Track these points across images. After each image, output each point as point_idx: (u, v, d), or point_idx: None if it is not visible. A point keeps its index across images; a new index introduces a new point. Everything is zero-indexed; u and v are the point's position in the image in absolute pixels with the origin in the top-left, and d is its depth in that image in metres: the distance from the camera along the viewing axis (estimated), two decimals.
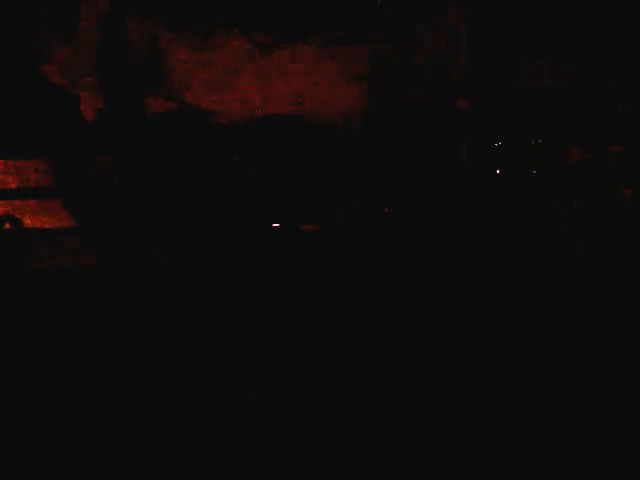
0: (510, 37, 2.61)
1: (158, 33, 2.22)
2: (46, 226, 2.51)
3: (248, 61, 2.23)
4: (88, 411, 2.24)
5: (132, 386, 2.24)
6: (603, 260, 2.53)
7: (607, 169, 2.64)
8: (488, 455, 2.22)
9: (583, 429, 2.29)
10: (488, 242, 2.37)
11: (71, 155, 2.39)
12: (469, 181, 2.33)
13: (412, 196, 2.23)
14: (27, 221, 2.51)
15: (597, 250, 2.53)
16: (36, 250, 2.48)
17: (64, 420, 2.24)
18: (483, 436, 2.24)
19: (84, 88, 2.29)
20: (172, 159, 2.21)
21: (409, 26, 2.34)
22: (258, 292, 2.19)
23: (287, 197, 2.18)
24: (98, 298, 2.38)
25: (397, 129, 2.30)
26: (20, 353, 2.34)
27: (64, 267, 2.46)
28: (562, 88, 2.65)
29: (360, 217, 2.17)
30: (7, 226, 2.48)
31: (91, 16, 2.25)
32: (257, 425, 2.16)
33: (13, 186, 2.53)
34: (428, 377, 2.27)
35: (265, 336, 2.20)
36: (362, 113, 2.26)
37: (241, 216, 2.18)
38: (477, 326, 2.34)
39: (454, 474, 2.18)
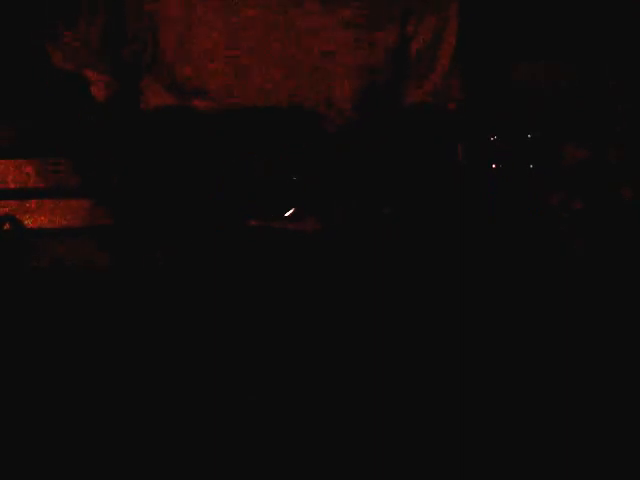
0: (508, 37, 2.61)
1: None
2: (46, 226, 2.51)
3: None
4: (87, 411, 2.24)
5: (131, 386, 2.24)
6: (603, 260, 2.53)
7: (607, 169, 2.64)
8: (488, 455, 2.21)
9: (583, 429, 2.29)
10: (488, 242, 2.37)
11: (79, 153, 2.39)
12: (468, 181, 2.32)
13: (411, 195, 2.23)
14: (27, 221, 2.51)
15: (597, 250, 2.53)
16: (36, 250, 2.48)
17: (63, 420, 2.24)
18: (483, 436, 2.24)
19: (90, 67, 2.27)
20: (172, 158, 2.21)
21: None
22: (258, 292, 2.19)
23: (286, 196, 2.17)
24: (99, 298, 2.38)
25: (391, 126, 2.29)
26: (20, 352, 2.33)
27: (64, 267, 2.46)
28: (562, 88, 2.65)
29: (360, 216, 2.17)
30: (7, 226, 2.48)
31: None
32: (257, 425, 2.16)
33: (13, 186, 2.52)
34: (428, 377, 2.27)
35: (265, 336, 2.19)
36: (354, 101, 2.25)
37: (241, 216, 2.18)
38: (477, 325, 2.34)
39: (454, 474, 2.18)
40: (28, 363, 2.31)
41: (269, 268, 2.19)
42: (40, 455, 2.19)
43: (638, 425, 2.29)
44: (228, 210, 2.19)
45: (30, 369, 2.31)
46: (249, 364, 2.19)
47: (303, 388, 2.19)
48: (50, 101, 2.39)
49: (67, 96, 2.36)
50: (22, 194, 2.52)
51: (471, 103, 2.48)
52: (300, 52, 2.22)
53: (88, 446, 2.20)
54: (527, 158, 2.54)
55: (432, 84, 2.36)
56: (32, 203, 2.52)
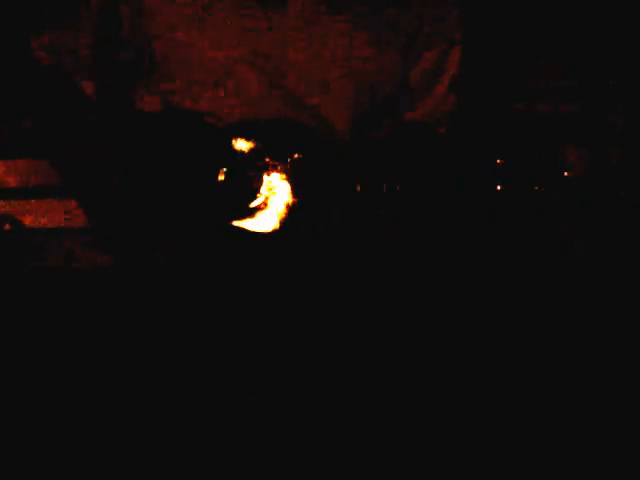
0: (507, 36, 2.61)
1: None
2: (46, 226, 2.51)
3: None
4: (87, 410, 2.24)
5: (131, 386, 2.24)
6: (603, 260, 2.53)
7: (607, 169, 2.64)
8: (488, 455, 2.22)
9: (584, 429, 2.29)
10: (487, 241, 2.37)
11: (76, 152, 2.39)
12: (468, 180, 2.32)
13: (410, 196, 2.23)
14: (27, 221, 2.51)
15: (597, 250, 2.53)
16: (36, 250, 2.48)
17: (64, 419, 2.24)
18: (483, 436, 2.24)
19: (78, 73, 2.27)
20: (172, 157, 2.21)
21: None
22: (258, 292, 2.19)
23: (287, 197, 2.18)
24: (99, 298, 2.38)
25: (387, 142, 2.29)
26: (20, 352, 2.34)
27: (64, 267, 2.46)
28: (562, 88, 2.65)
29: (358, 217, 2.17)
30: (7, 226, 2.48)
31: None
32: (257, 425, 2.16)
33: (13, 186, 2.53)
34: (428, 378, 2.27)
35: (265, 336, 2.20)
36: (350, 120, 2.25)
37: (242, 216, 2.18)
38: (477, 326, 2.34)
39: (454, 474, 2.18)
40: (28, 363, 2.32)
41: (269, 268, 2.20)
42: (40, 455, 2.19)
43: (638, 425, 2.29)
44: (228, 210, 2.19)
45: (30, 368, 2.31)
46: (249, 364, 2.19)
47: (303, 388, 2.19)
48: (50, 101, 2.39)
49: (67, 96, 2.36)
50: (22, 194, 2.52)
51: (469, 104, 2.48)
52: (299, 76, 2.21)
53: (88, 445, 2.20)
54: (527, 158, 2.54)
55: (429, 107, 2.36)
56: (32, 203, 2.52)
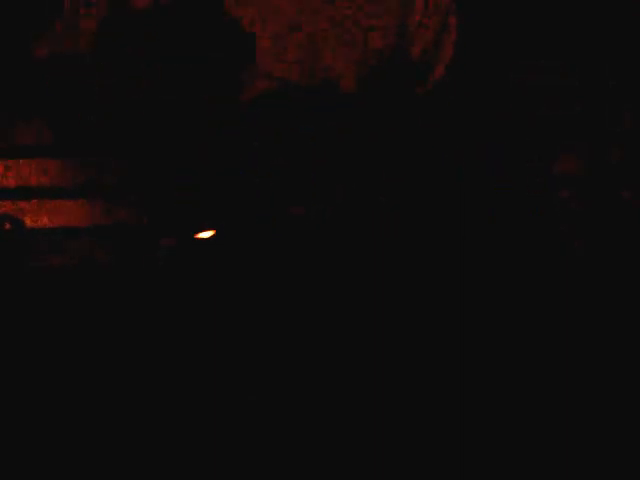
0: (508, 36, 2.61)
1: None
2: (46, 226, 2.51)
3: None
4: (86, 409, 2.24)
5: (132, 386, 2.24)
6: (603, 260, 2.53)
7: (607, 170, 2.64)
8: (488, 455, 2.21)
9: (583, 429, 2.29)
10: (487, 241, 2.37)
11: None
12: (468, 179, 2.33)
13: (410, 186, 2.23)
14: (27, 221, 2.51)
15: (597, 250, 2.53)
16: (36, 250, 2.48)
17: (63, 419, 2.24)
18: (483, 436, 2.24)
19: (81, 58, 2.26)
20: (172, 156, 2.21)
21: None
22: (259, 290, 2.19)
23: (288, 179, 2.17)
24: (99, 298, 2.38)
25: (387, 122, 2.29)
26: (20, 352, 2.34)
27: (65, 267, 2.46)
28: (562, 88, 2.65)
29: (358, 203, 2.17)
30: (7, 226, 2.48)
31: None
32: (257, 425, 2.16)
33: (13, 186, 2.53)
34: (427, 377, 2.27)
35: (266, 335, 2.20)
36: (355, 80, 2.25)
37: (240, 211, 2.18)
38: (476, 324, 2.34)
39: (454, 474, 2.18)
40: (28, 362, 2.32)
41: (269, 266, 2.19)
42: (40, 454, 2.19)
43: (638, 425, 2.29)
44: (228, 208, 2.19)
45: (30, 368, 2.31)
46: (249, 364, 2.19)
47: (302, 387, 2.19)
48: (50, 101, 2.40)
49: (67, 95, 2.37)
50: (22, 194, 2.52)
51: (469, 102, 2.48)
52: (310, 39, 2.22)
53: (88, 445, 2.20)
54: (527, 158, 2.54)
55: (430, 85, 2.36)
56: (32, 203, 2.52)
